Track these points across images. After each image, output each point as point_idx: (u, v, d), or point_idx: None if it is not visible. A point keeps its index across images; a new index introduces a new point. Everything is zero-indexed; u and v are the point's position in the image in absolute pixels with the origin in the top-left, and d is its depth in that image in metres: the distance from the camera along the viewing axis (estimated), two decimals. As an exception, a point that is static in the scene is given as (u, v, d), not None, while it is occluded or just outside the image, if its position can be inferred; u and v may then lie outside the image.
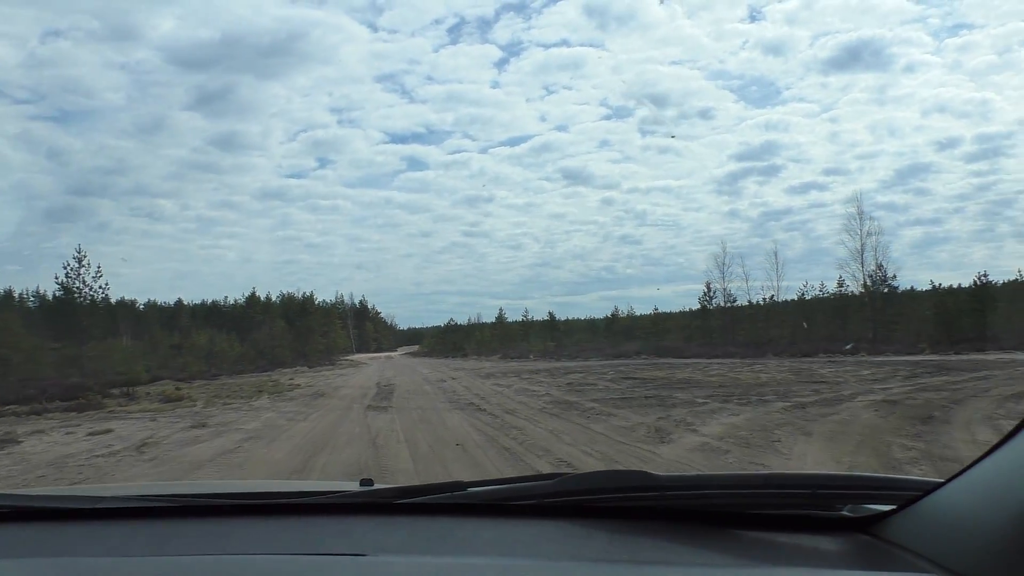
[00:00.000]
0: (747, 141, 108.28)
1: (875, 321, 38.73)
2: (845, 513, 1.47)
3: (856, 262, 43.24)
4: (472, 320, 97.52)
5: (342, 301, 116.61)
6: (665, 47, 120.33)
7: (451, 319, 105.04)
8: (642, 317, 61.82)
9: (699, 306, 46.23)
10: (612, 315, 64.36)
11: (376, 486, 1.84)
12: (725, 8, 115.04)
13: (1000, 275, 68.43)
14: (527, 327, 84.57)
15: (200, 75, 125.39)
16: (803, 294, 43.28)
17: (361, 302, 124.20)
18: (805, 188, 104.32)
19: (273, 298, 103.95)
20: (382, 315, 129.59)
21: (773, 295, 42.31)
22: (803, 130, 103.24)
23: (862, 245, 41.55)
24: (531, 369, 32.79)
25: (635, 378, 22.90)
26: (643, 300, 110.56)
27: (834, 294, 42.55)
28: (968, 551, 1.10)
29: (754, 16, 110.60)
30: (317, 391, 23.86)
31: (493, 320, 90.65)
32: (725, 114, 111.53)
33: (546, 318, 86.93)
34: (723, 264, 44.40)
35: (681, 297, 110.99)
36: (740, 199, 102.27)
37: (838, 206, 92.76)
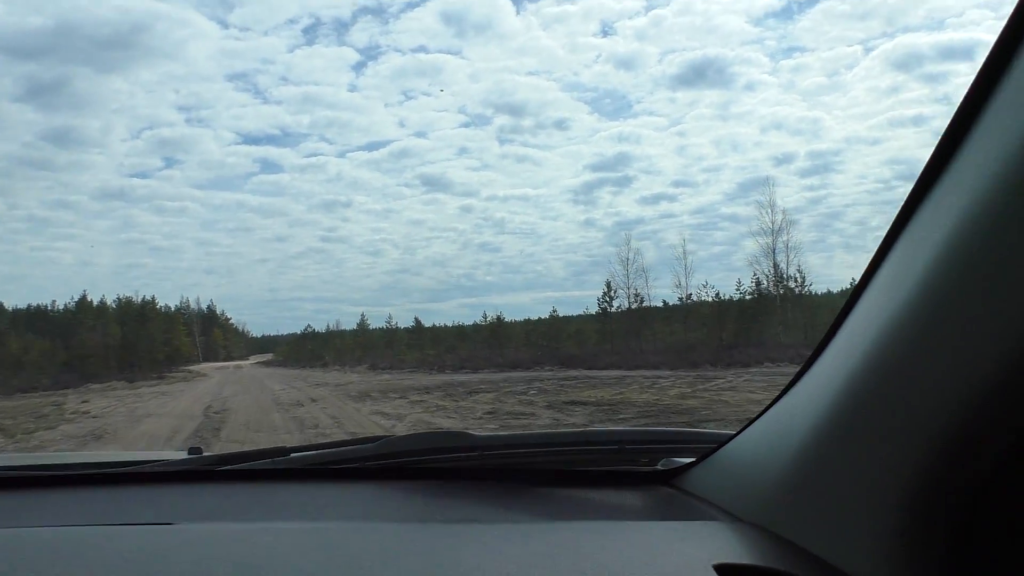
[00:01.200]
0: (601, 152, 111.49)
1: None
2: (656, 468, 1.55)
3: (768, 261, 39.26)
4: (331, 327, 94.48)
5: (188, 306, 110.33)
6: (522, 57, 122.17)
7: (308, 325, 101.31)
8: (536, 322, 56.40)
9: (598, 308, 40.74)
10: (497, 319, 57.76)
11: (203, 455, 1.81)
12: (579, 22, 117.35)
13: (832, 284, 72.80)
14: (391, 334, 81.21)
15: (31, 64, 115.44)
16: (719, 294, 39.01)
17: (209, 307, 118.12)
18: (656, 199, 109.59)
19: (109, 302, 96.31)
20: (233, 321, 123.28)
21: (690, 294, 37.33)
22: (653, 143, 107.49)
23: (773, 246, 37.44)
24: (416, 386, 25.43)
25: (578, 402, 16.22)
26: (502, 307, 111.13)
27: (751, 295, 37.92)
28: (753, 496, 1.18)
29: (606, 31, 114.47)
30: (100, 427, 15.75)
31: (354, 327, 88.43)
32: (580, 125, 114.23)
33: (411, 324, 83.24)
34: (627, 260, 38.90)
35: (539, 305, 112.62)
36: (595, 208, 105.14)
37: (686, 216, 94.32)
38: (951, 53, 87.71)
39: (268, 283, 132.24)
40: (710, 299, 37.92)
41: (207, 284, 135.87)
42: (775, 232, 40.77)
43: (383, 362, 49.32)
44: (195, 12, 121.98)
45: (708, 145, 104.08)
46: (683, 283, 37.61)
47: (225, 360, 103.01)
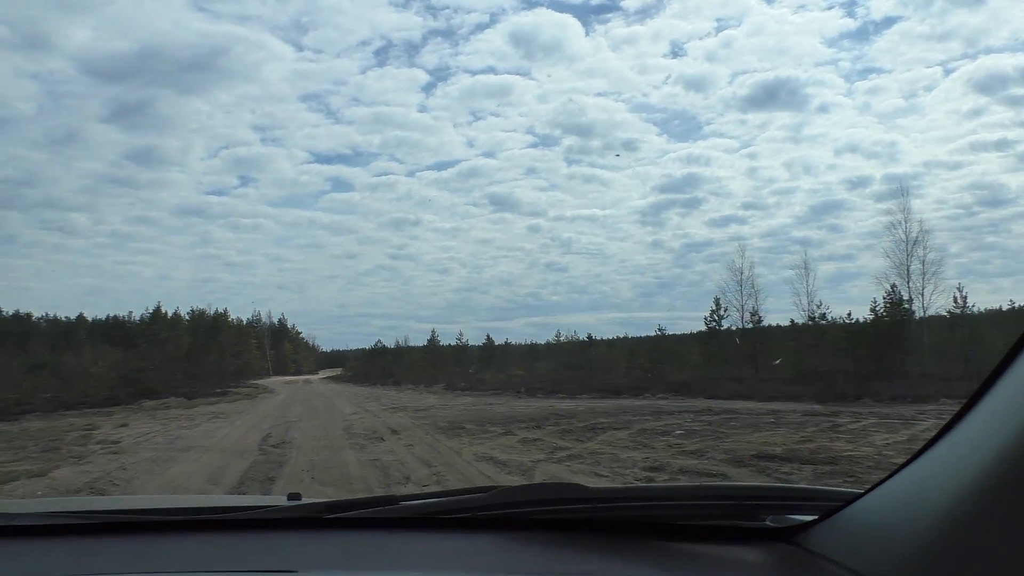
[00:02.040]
0: (670, 173, 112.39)
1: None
2: (770, 524, 1.49)
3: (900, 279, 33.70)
4: (400, 343, 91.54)
5: (259, 320, 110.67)
6: (590, 79, 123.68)
7: (379, 340, 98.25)
8: (636, 340, 51.63)
9: (705, 327, 35.67)
10: (588, 337, 52.98)
11: (304, 500, 1.82)
12: (648, 43, 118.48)
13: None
14: (462, 352, 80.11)
15: (117, 87, 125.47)
16: (849, 314, 33.55)
17: (280, 321, 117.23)
18: (725, 221, 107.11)
19: (183, 314, 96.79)
20: (303, 336, 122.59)
21: (824, 313, 31.91)
22: (723, 165, 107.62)
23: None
24: (513, 415, 20.98)
25: (768, 456, 11.42)
26: (568, 327, 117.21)
27: (885, 316, 32.42)
28: (886, 560, 1.12)
29: (676, 52, 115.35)
30: (110, 474, 11.66)
31: (423, 343, 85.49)
32: (649, 146, 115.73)
33: (482, 342, 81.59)
34: (740, 275, 33.83)
35: (606, 325, 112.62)
36: (663, 230, 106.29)
37: (756, 239, 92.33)
38: None
39: (338, 299, 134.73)
40: (842, 319, 32.66)
41: (279, 299, 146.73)
42: (910, 245, 35.36)
43: (460, 382, 45.10)
44: (271, 35, 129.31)
45: (779, 167, 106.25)
46: (806, 302, 32.54)
47: (295, 374, 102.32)
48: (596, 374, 40.03)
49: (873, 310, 31.95)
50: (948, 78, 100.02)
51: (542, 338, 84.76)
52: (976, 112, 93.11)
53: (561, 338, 71.02)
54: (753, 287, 33.82)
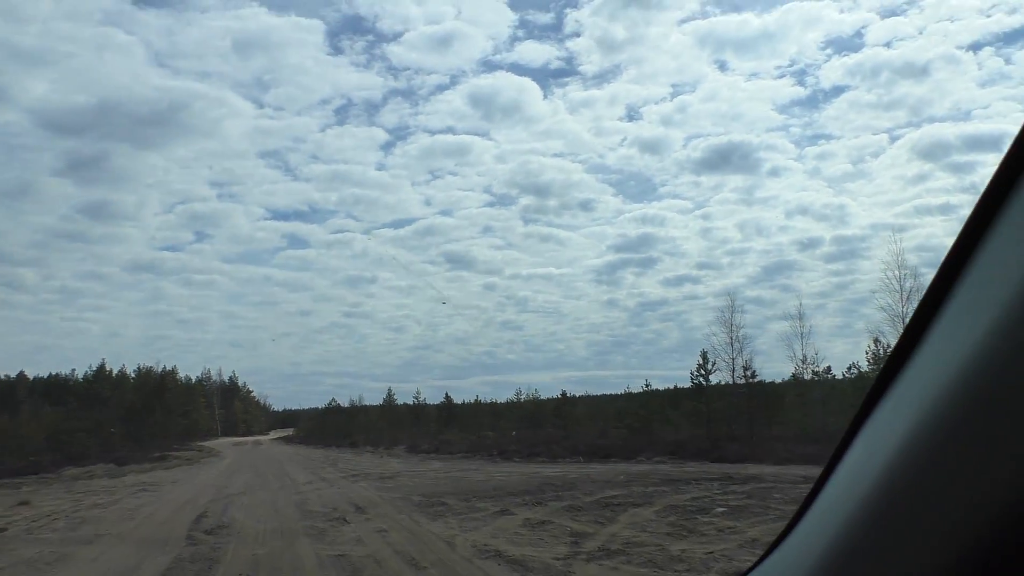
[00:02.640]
0: (625, 233, 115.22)
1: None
2: None
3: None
4: (354, 402, 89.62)
5: (209, 378, 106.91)
6: (548, 140, 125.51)
7: (333, 399, 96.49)
8: (608, 399, 48.59)
9: (691, 383, 32.83)
10: (562, 395, 49.71)
11: None
12: (605, 107, 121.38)
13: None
14: (419, 411, 76.88)
15: (73, 141, 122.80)
16: (854, 365, 31.17)
17: (231, 379, 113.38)
18: (680, 280, 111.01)
19: (129, 372, 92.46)
20: (255, 394, 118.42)
21: (828, 367, 29.32)
22: (677, 225, 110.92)
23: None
24: (505, 485, 17.80)
25: None
26: (524, 385, 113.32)
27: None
28: None
29: (632, 116, 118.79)
30: None
31: (379, 402, 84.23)
32: (605, 207, 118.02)
33: (440, 400, 79.28)
34: (731, 324, 31.30)
35: (562, 383, 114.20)
36: (619, 289, 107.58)
37: (711, 299, 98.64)
38: (977, 144, 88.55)
39: (291, 357, 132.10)
40: (844, 375, 30.20)
41: (231, 357, 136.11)
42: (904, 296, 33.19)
43: (423, 443, 41.60)
44: (232, 92, 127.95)
45: (732, 228, 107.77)
46: (803, 355, 30.01)
47: (244, 434, 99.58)
48: (573, 434, 36.93)
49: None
50: (894, 145, 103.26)
51: (499, 396, 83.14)
52: (921, 177, 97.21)
53: (521, 396, 68.92)
54: (739, 341, 31.27)
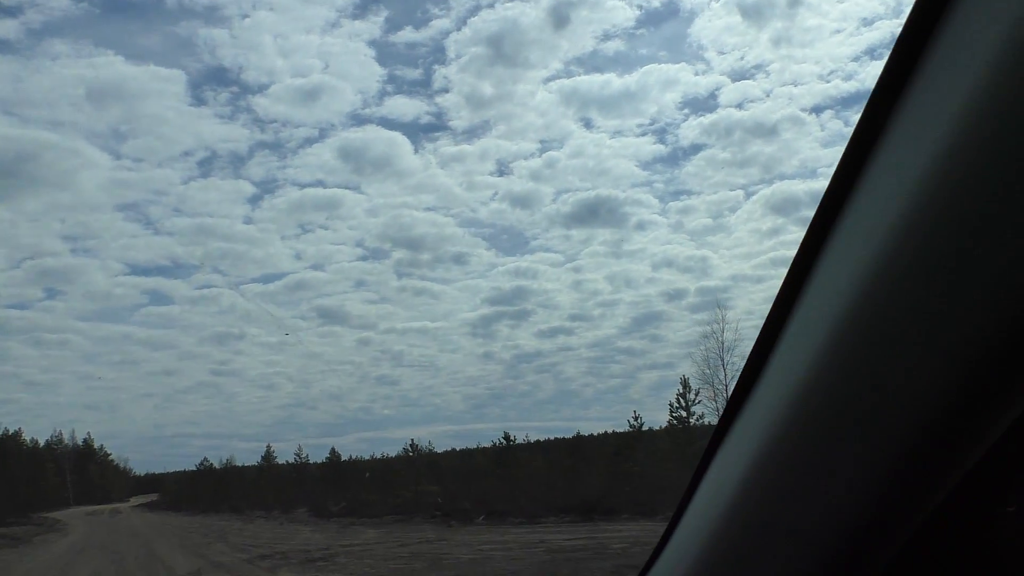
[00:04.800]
0: (499, 286, 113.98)
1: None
2: None
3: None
4: (225, 463, 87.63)
5: (61, 442, 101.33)
6: (420, 194, 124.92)
7: (205, 459, 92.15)
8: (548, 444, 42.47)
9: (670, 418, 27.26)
10: (505, 439, 42.88)
11: None
12: (476, 161, 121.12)
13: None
14: (302, 470, 73.90)
15: None
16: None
17: (86, 442, 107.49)
18: (553, 332, 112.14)
19: None
20: (112, 458, 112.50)
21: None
22: (550, 278, 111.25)
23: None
24: (511, 570, 11.16)
25: None
26: (402, 440, 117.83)
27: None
28: None
29: (502, 171, 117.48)
30: None
31: (257, 461, 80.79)
32: (478, 260, 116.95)
33: (325, 458, 76.43)
34: (721, 346, 26.03)
35: (439, 438, 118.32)
36: (494, 341, 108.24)
37: (584, 350, 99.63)
38: None
39: (154, 418, 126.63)
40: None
41: (87, 420, 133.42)
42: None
43: (331, 504, 34.06)
44: (86, 142, 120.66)
45: (603, 280, 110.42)
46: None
47: (101, 502, 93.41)
48: (522, 487, 30.31)
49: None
50: (749, 200, 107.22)
51: (377, 452, 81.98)
52: (774, 231, 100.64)
53: (416, 450, 64.13)
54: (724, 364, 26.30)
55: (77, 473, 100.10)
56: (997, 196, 0.65)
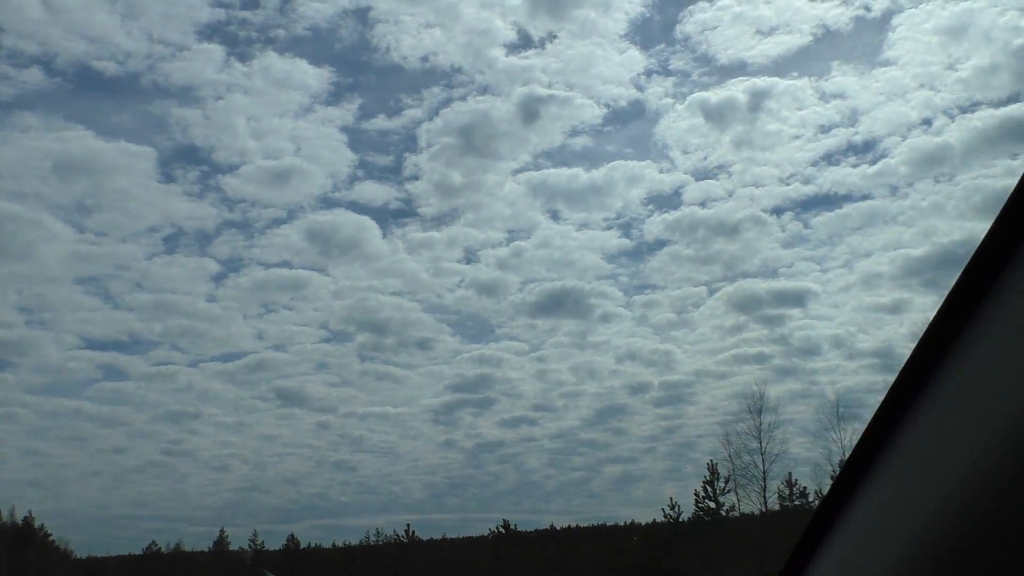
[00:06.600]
0: (463, 373, 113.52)
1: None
2: None
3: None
4: (171, 547, 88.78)
5: None
6: (386, 278, 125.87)
7: (153, 542, 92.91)
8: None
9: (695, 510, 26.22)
10: (504, 526, 40.97)
11: None
12: (443, 248, 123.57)
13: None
14: (257, 557, 75.98)
15: None
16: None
17: (26, 520, 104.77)
18: (517, 422, 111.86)
19: None
20: (53, 538, 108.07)
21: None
22: (514, 367, 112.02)
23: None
24: None
25: None
26: (357, 530, 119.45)
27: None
28: None
29: (470, 258, 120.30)
30: None
31: (208, 548, 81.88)
32: (443, 346, 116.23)
33: (283, 544, 78.58)
34: (759, 421, 25.36)
35: (398, 528, 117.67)
36: (456, 429, 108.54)
37: (547, 440, 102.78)
38: (784, 299, 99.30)
39: (99, 499, 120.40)
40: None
41: (29, 498, 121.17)
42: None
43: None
44: (49, 215, 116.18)
45: (567, 371, 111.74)
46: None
47: None
48: None
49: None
50: (712, 297, 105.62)
51: (327, 542, 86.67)
52: (737, 328, 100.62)
53: (386, 537, 62.11)
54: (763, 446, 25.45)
55: (15, 554, 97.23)
56: None
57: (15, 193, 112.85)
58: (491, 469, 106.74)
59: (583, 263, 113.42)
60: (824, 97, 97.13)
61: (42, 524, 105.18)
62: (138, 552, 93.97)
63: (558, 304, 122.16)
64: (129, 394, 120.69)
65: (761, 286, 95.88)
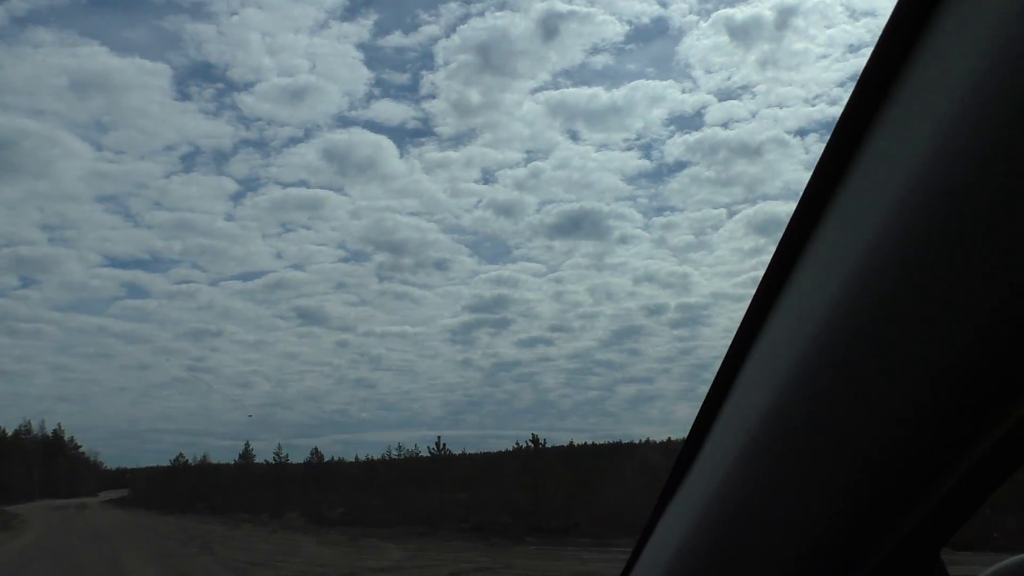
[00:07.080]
0: (480, 294, 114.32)
1: None
2: None
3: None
4: (198, 460, 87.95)
5: (30, 432, 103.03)
6: (404, 198, 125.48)
7: (181, 454, 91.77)
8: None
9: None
10: (534, 441, 38.40)
11: None
12: (460, 169, 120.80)
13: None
14: (280, 470, 71.26)
15: None
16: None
17: (56, 433, 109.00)
18: (533, 342, 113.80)
19: None
20: (83, 451, 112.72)
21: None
22: (531, 288, 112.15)
23: None
24: None
25: None
26: (379, 444, 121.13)
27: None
28: None
29: (487, 179, 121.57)
30: None
31: (233, 460, 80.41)
32: (460, 267, 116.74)
33: (308, 458, 75.89)
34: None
35: (416, 443, 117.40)
36: (473, 349, 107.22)
37: (563, 360, 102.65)
38: None
39: (127, 413, 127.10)
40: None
41: (58, 412, 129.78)
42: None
43: (329, 508, 29.69)
44: (67, 132, 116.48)
45: (584, 293, 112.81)
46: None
47: (69, 496, 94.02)
48: (583, 500, 25.45)
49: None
50: (732, 219, 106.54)
51: (350, 455, 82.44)
52: (756, 251, 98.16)
53: (394, 454, 61.15)
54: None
55: (45, 465, 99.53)
56: (984, 198, 0.63)
57: (32, 110, 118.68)
58: (508, 388, 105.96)
59: (602, 184, 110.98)
60: (854, 15, 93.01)
61: (72, 437, 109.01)
62: (165, 464, 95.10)
63: (576, 225, 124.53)
64: (151, 312, 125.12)
65: (782, 208, 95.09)
